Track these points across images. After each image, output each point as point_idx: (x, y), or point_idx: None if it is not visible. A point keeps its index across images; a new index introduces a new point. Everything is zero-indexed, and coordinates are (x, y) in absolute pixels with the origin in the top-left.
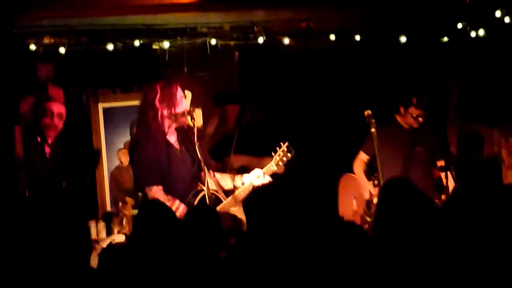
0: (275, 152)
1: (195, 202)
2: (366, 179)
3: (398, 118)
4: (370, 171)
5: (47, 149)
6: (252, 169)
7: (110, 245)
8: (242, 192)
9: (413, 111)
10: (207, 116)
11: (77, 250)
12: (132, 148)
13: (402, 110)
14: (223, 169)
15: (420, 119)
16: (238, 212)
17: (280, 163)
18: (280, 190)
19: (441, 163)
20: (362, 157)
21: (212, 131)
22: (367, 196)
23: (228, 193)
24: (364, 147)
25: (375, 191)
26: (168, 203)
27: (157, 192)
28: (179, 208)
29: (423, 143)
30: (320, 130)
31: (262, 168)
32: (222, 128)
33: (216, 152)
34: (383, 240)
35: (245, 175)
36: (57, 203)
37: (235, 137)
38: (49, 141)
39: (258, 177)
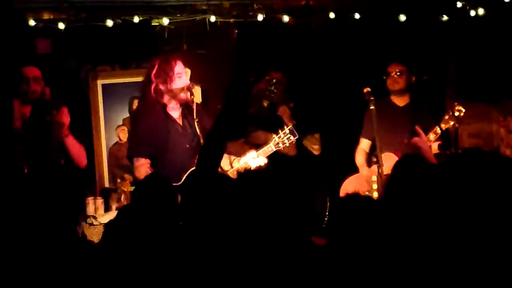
0: (277, 133)
1: (183, 178)
2: (368, 169)
3: (392, 97)
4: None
5: (27, 115)
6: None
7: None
8: (233, 172)
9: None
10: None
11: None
12: (131, 119)
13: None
14: (246, 144)
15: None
16: None
17: (281, 145)
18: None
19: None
20: (363, 146)
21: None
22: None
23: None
24: (363, 132)
25: (376, 176)
26: None
27: (143, 164)
28: None
29: (419, 120)
30: (319, 111)
31: None
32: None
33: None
34: (393, 208)
35: (243, 157)
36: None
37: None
38: (29, 107)
39: (254, 158)
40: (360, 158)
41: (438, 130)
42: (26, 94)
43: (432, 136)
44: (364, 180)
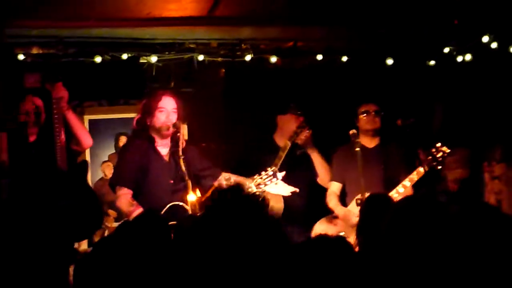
0: (260, 174)
1: (162, 213)
2: (344, 208)
3: (362, 139)
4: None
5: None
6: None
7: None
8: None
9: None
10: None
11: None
12: (120, 149)
13: None
14: None
15: None
16: None
17: (262, 186)
18: None
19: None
20: (334, 188)
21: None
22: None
23: None
24: (333, 175)
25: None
26: (130, 208)
27: (124, 194)
28: None
29: (390, 162)
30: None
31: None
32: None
33: None
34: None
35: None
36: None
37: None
38: (31, 139)
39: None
40: (333, 200)
41: (421, 170)
42: (26, 125)
43: (415, 176)
44: (338, 221)
